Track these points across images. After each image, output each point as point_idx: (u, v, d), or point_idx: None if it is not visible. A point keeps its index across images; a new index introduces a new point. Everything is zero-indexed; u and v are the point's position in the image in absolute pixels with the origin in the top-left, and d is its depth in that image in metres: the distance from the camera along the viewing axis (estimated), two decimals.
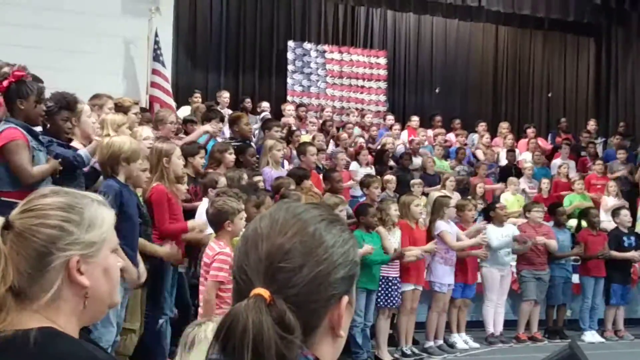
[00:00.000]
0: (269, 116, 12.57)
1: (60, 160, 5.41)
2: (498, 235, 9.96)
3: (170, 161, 6.25)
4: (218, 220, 5.19)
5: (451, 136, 15.13)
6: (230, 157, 7.92)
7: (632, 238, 10.98)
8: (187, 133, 9.38)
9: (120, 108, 7.75)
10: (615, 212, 11.31)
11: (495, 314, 10.12)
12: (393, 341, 9.12)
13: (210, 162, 7.99)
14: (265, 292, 1.24)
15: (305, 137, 11.79)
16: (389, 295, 8.62)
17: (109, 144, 5.55)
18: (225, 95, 13.07)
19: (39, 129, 5.65)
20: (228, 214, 5.11)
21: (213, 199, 5.54)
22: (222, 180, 6.95)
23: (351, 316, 1.36)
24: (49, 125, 5.84)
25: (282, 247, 1.27)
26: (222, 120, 9.56)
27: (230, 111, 12.07)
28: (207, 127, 8.75)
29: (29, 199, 1.71)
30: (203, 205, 6.41)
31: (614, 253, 10.70)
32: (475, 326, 10.21)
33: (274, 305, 1.23)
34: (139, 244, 5.56)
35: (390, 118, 15.34)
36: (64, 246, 1.66)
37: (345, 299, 1.31)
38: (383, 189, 10.29)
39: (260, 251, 1.28)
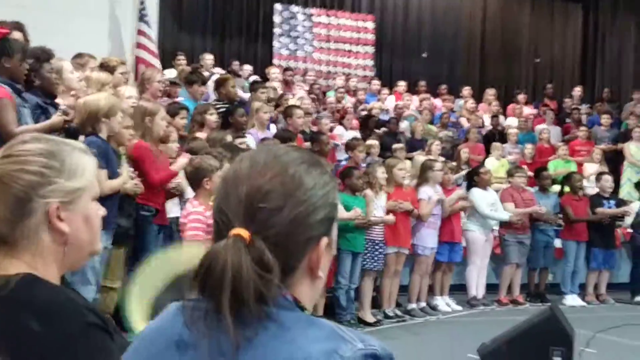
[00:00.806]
0: (257, 78, 12.52)
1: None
2: (483, 198, 10.05)
3: (154, 121, 6.22)
4: (196, 177, 5.18)
5: (437, 101, 15.14)
6: (212, 117, 7.87)
7: (612, 202, 11.08)
8: (170, 95, 9.34)
9: (106, 68, 7.69)
10: (597, 178, 11.42)
11: (477, 278, 10.21)
12: (376, 303, 9.21)
13: (192, 124, 7.94)
14: (244, 232, 1.24)
15: (293, 101, 11.75)
16: (374, 257, 8.67)
17: (84, 103, 5.51)
18: (208, 58, 12.98)
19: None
20: (206, 172, 5.09)
21: (192, 157, 5.55)
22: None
23: (330, 258, 1.37)
24: (37, 82, 5.79)
25: (261, 188, 1.27)
26: (203, 83, 9.50)
27: (217, 74, 12.02)
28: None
29: (10, 144, 1.71)
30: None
31: (600, 210, 10.80)
32: (458, 289, 10.30)
33: (253, 245, 1.23)
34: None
35: (376, 83, 15.32)
36: (44, 193, 1.66)
37: (325, 240, 1.32)
38: (368, 154, 10.31)
39: (240, 192, 1.28)
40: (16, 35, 6.07)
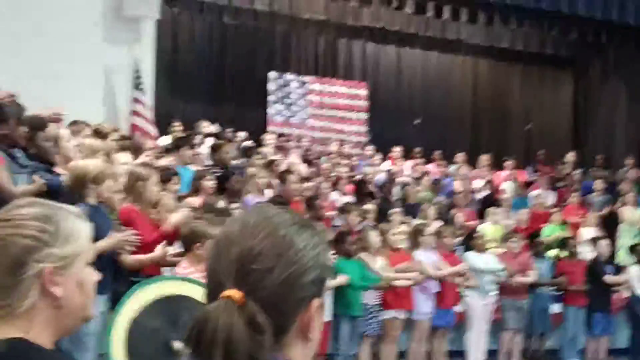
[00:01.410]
0: (251, 145, 12.61)
1: (46, 182, 5.40)
2: (480, 261, 10.00)
3: (146, 186, 6.20)
4: (188, 240, 5.16)
5: (431, 167, 15.21)
6: (209, 183, 7.91)
7: (611, 267, 11.03)
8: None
9: (99, 134, 7.75)
10: (593, 242, 11.37)
11: (477, 344, 10.10)
12: None
13: (191, 189, 7.99)
14: (236, 294, 1.24)
15: (286, 167, 11.79)
16: (370, 322, 8.61)
17: (73, 168, 5.51)
18: (205, 125, 13.10)
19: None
20: (199, 237, 5.06)
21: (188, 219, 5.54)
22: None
23: (322, 320, 1.36)
24: (33, 150, 5.82)
25: (253, 250, 1.27)
26: (192, 147, 9.59)
27: (211, 140, 12.09)
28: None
29: (6, 209, 1.71)
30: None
31: (608, 278, 10.72)
32: (457, 356, 10.17)
33: (245, 306, 1.23)
34: (134, 260, 5.62)
35: (370, 149, 15.41)
36: (39, 257, 1.65)
37: (316, 302, 1.31)
38: (363, 219, 10.30)
39: (232, 253, 1.28)
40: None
